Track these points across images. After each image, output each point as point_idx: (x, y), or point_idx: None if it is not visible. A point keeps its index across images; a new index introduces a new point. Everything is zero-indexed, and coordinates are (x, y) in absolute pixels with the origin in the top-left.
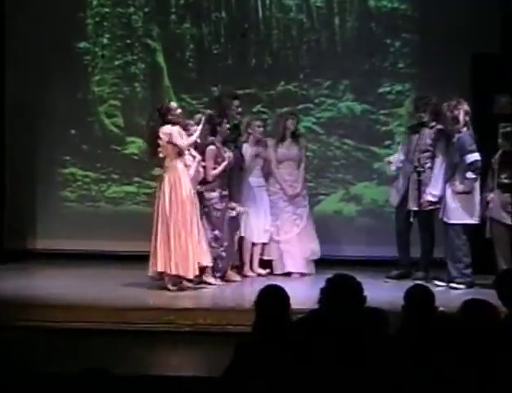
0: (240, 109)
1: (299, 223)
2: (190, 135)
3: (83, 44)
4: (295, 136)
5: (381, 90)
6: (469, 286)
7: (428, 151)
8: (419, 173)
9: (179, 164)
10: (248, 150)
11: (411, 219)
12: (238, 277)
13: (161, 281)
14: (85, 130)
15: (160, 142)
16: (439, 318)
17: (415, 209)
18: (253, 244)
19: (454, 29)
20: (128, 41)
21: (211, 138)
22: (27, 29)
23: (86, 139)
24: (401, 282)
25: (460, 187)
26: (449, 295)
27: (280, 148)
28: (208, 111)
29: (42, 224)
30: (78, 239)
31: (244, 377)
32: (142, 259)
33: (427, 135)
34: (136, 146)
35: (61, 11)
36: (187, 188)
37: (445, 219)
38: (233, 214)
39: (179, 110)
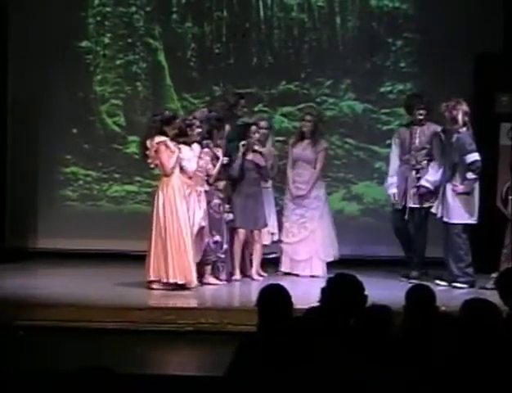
0: (245, 109)
1: (308, 226)
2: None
3: (84, 43)
4: (314, 137)
5: (382, 89)
6: (471, 285)
7: (424, 148)
8: (417, 171)
9: (173, 174)
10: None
11: (406, 217)
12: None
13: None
14: (87, 129)
15: (148, 152)
16: (440, 318)
17: (413, 206)
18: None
19: (456, 28)
20: (130, 40)
21: (205, 141)
22: (29, 28)
23: (87, 138)
24: (403, 282)
25: (460, 187)
26: (450, 294)
27: (296, 148)
28: (210, 112)
29: (43, 223)
30: (80, 238)
31: (248, 376)
32: (144, 258)
33: (420, 133)
34: (137, 145)
35: (63, 10)
36: (178, 205)
37: (445, 219)
38: (230, 216)
39: (176, 131)
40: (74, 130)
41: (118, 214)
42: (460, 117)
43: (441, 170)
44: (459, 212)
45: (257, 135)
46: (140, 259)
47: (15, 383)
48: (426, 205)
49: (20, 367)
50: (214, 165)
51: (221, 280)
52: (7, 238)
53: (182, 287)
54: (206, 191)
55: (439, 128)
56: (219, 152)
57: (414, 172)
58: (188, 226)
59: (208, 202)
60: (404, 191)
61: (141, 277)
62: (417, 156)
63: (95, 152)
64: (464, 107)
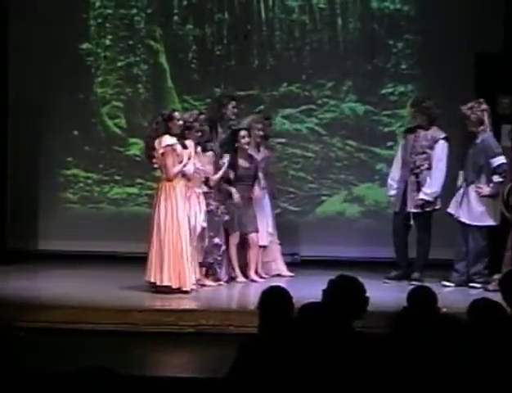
0: (235, 110)
1: None
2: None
3: (85, 45)
4: None
5: (384, 91)
6: (486, 283)
7: (424, 152)
8: (416, 175)
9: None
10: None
11: (411, 222)
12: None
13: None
14: (87, 131)
15: (155, 153)
16: (441, 319)
17: (415, 211)
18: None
19: (456, 29)
20: (131, 42)
21: (210, 144)
22: (30, 30)
23: (88, 140)
24: (401, 283)
25: (487, 190)
26: (456, 295)
27: None
28: (200, 114)
29: (44, 225)
30: (80, 240)
31: (249, 377)
32: (144, 260)
33: (422, 137)
34: (138, 147)
35: (64, 12)
36: (180, 207)
37: (467, 221)
38: (226, 218)
39: (181, 122)
40: (75, 132)
41: (118, 217)
42: (486, 118)
43: (440, 181)
44: (484, 215)
45: (246, 139)
46: (140, 261)
47: (16, 384)
48: (428, 209)
49: (21, 368)
50: (217, 168)
51: (220, 281)
52: (8, 240)
53: (177, 291)
54: (204, 193)
55: (442, 136)
56: (225, 158)
57: (413, 176)
58: (187, 230)
59: (207, 204)
60: (403, 194)
61: (142, 279)
62: (416, 160)
63: (96, 154)
64: (487, 108)
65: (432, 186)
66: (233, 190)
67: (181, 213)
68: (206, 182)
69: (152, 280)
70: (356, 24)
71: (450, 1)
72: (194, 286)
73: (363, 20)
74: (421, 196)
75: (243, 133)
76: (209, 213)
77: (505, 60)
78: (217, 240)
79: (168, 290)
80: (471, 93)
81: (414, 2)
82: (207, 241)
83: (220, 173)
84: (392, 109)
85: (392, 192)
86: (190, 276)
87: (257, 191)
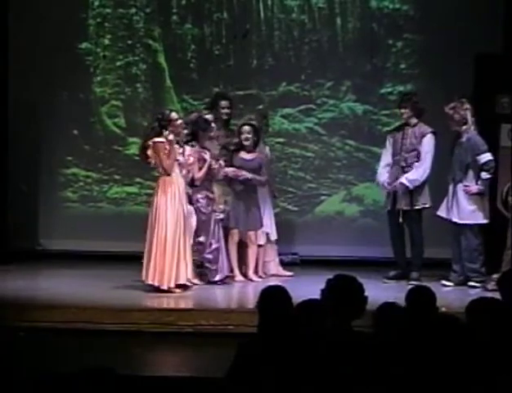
0: (226, 110)
1: None
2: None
3: (84, 45)
4: None
5: (383, 91)
6: (485, 282)
7: (414, 149)
8: (407, 173)
9: (171, 175)
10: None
11: (400, 220)
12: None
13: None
14: (87, 131)
15: (149, 152)
16: (440, 319)
17: (405, 208)
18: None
19: (456, 29)
20: (130, 42)
21: (191, 143)
22: (29, 29)
23: (88, 140)
24: (400, 283)
25: (475, 187)
26: (455, 295)
27: None
28: (195, 114)
29: (44, 225)
30: (80, 239)
31: (248, 377)
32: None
33: (411, 134)
34: (137, 146)
35: (63, 11)
36: (175, 203)
37: (458, 221)
38: (221, 216)
39: (180, 121)
40: (75, 131)
41: (118, 216)
42: (469, 117)
43: (425, 171)
44: (474, 213)
45: (246, 135)
46: (140, 260)
47: (17, 384)
48: (417, 206)
49: (21, 368)
50: (200, 168)
51: (206, 281)
52: (8, 239)
53: (160, 290)
54: (189, 193)
55: (429, 130)
56: (206, 155)
57: (404, 174)
58: (179, 229)
59: (197, 202)
60: (394, 192)
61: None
62: (407, 158)
63: (95, 154)
64: (469, 106)
65: (414, 173)
66: (220, 160)
67: (172, 212)
68: (193, 182)
69: (143, 278)
70: (355, 24)
71: (450, 0)
72: (171, 285)
73: (362, 20)
74: (402, 179)
75: (247, 128)
76: (196, 210)
77: (504, 61)
78: (202, 239)
79: (154, 288)
80: (470, 93)
81: (413, 2)
82: (191, 240)
83: (204, 170)
84: (392, 108)
85: (384, 178)
86: (169, 274)
87: (243, 172)
